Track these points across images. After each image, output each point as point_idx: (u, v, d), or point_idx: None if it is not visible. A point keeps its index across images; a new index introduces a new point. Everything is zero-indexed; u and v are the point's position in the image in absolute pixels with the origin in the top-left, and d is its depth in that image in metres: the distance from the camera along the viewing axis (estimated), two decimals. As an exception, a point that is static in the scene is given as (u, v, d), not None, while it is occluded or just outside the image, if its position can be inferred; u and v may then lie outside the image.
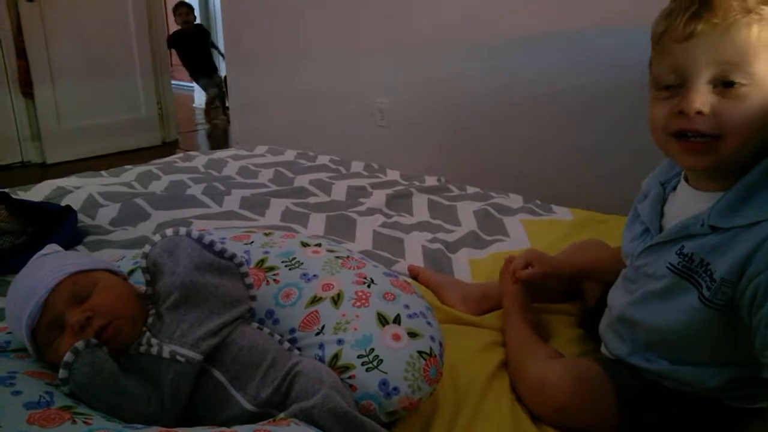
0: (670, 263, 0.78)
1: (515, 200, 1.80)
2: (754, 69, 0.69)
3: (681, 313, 0.77)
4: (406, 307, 0.91)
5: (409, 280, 1.10)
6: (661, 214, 0.85)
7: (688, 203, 0.80)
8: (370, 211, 1.66)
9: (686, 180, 0.83)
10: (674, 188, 0.85)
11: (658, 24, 0.77)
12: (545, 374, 0.89)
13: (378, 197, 1.78)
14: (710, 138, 0.71)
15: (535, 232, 1.56)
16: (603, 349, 0.95)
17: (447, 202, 1.76)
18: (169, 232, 0.87)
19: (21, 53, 3.38)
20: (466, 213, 1.67)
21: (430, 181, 1.97)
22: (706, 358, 0.79)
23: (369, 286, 0.93)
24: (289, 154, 2.20)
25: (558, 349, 1.01)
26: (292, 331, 0.88)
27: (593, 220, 1.65)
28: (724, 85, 0.70)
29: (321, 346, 0.85)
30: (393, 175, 2.03)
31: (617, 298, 0.91)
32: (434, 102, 2.61)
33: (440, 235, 1.52)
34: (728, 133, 0.70)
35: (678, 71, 0.73)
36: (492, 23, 2.35)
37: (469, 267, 1.36)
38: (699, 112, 0.70)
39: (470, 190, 1.89)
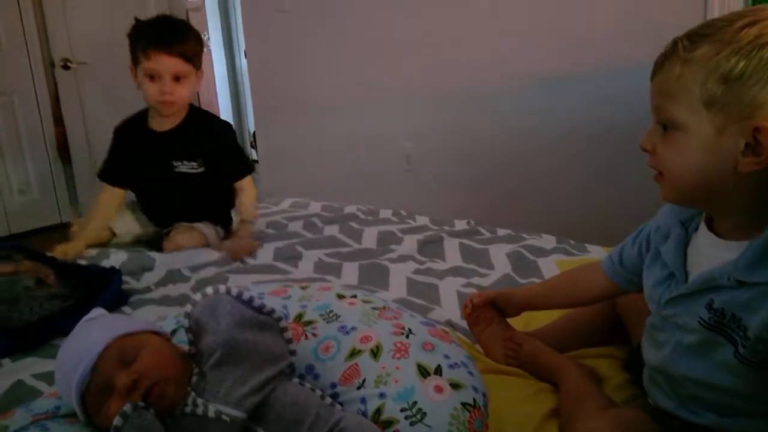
0: (701, 318, 0.75)
1: (548, 240, 1.78)
2: (673, 113, 0.70)
3: (719, 368, 0.74)
4: (446, 357, 0.90)
5: (447, 329, 1.09)
6: (685, 257, 0.81)
7: (712, 251, 0.76)
8: (402, 258, 1.66)
9: (707, 223, 0.79)
10: (696, 228, 0.82)
11: None
12: (594, 431, 0.84)
13: (409, 243, 1.78)
14: (658, 173, 0.76)
15: (571, 272, 1.54)
16: (650, 400, 0.92)
17: (479, 246, 1.75)
18: (209, 290, 0.88)
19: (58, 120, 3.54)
20: (499, 256, 1.66)
21: (460, 224, 1.97)
22: (756, 409, 0.75)
23: (407, 337, 0.93)
24: (315, 207, 2.21)
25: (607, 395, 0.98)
26: (333, 385, 0.88)
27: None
28: (663, 126, 0.73)
29: (363, 400, 0.85)
30: (422, 220, 2.04)
31: (649, 350, 0.88)
32: (459, 145, 2.64)
33: (474, 280, 1.51)
34: (665, 174, 0.75)
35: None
36: (511, 67, 2.39)
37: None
38: (645, 149, 0.76)
39: (501, 232, 1.88)
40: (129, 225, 1.86)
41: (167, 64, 1.63)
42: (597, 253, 1.68)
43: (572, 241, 1.77)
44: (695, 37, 0.69)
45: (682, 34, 0.71)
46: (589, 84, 2.22)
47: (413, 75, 2.71)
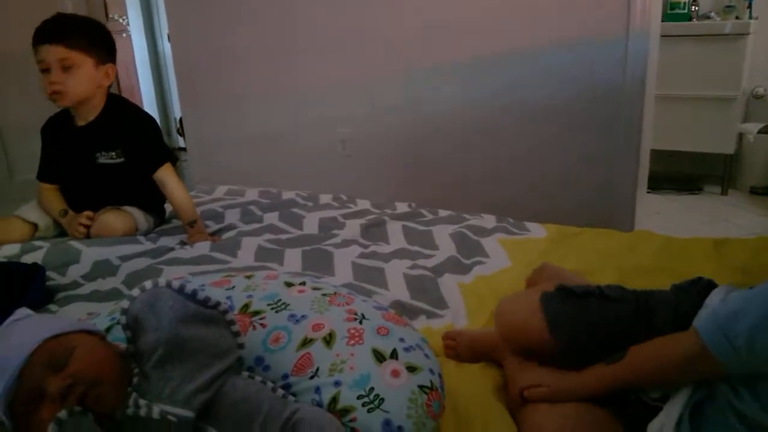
0: None
1: (489, 220, 1.80)
2: None
3: None
4: (402, 340, 0.88)
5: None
6: None
7: None
8: (346, 243, 1.63)
9: None
10: None
11: None
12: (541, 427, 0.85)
13: (352, 228, 1.76)
14: None
15: (514, 250, 1.56)
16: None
17: (422, 228, 1.75)
18: (148, 284, 0.82)
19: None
20: (443, 237, 1.66)
21: (401, 207, 1.96)
22: None
23: (361, 322, 0.91)
24: (252, 194, 2.15)
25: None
26: (285, 376, 0.84)
27: (567, 234, 1.67)
28: None
29: (317, 389, 0.82)
30: (363, 204, 2.01)
31: None
32: (395, 128, 2.62)
33: (420, 261, 1.50)
34: None
35: None
36: (448, 47, 2.39)
37: (461, 292, 1.34)
38: None
39: (443, 213, 1.88)
40: (50, 218, 1.77)
41: (50, 52, 1.60)
42: (537, 230, 1.71)
43: (511, 220, 1.80)
44: None
45: None
46: (526, 61, 2.24)
47: (348, 59, 2.66)
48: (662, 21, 2.67)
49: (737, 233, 1.63)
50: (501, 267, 1.48)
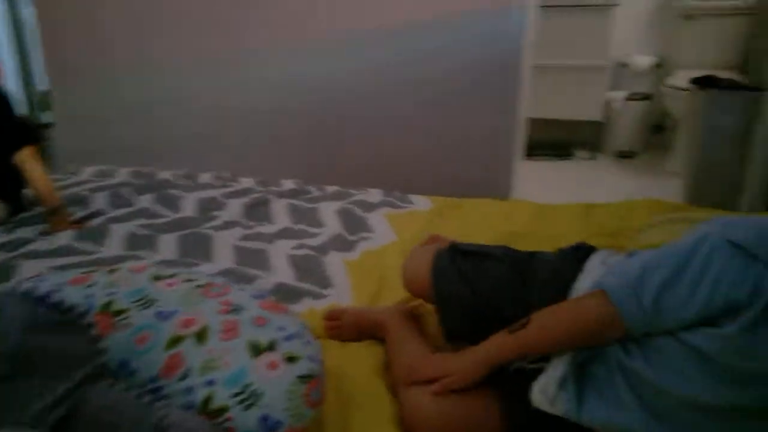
0: None
1: (375, 195, 1.79)
2: None
3: None
4: (281, 329, 0.85)
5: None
6: None
7: None
8: (227, 225, 1.56)
9: None
10: None
11: None
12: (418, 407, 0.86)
13: (233, 208, 1.68)
14: None
15: (399, 224, 1.57)
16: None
17: (308, 205, 1.71)
18: (-16, 291, 0.73)
19: None
20: (328, 214, 1.63)
21: (288, 184, 1.90)
22: None
23: (237, 314, 0.86)
24: (123, 174, 1.99)
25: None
26: (153, 379, 0.78)
27: (450, 205, 1.71)
28: None
29: (189, 391, 0.77)
30: (247, 182, 1.93)
31: None
32: (273, 102, 2.52)
33: (306, 241, 1.47)
34: None
35: None
36: (329, 21, 2.32)
37: (346, 270, 1.33)
38: None
39: (329, 189, 1.85)
40: None
41: None
42: (422, 203, 1.73)
43: (398, 193, 1.80)
44: None
45: None
46: (406, 35, 2.23)
47: (231, 30, 2.50)
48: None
49: (605, 196, 1.75)
50: (387, 241, 1.49)
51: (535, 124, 2.95)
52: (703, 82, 2.15)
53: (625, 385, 0.77)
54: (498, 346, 0.84)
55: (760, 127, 1.85)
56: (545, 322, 0.82)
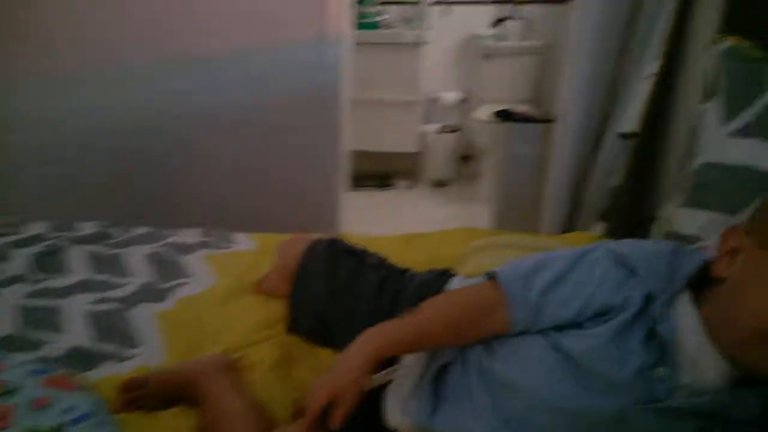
0: None
1: (192, 235, 1.65)
2: None
3: None
4: (68, 411, 0.71)
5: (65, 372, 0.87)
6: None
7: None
8: (9, 281, 1.32)
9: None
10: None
11: None
12: None
13: (19, 261, 1.43)
14: None
15: (221, 266, 1.46)
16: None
17: (111, 251, 1.52)
18: None
19: None
20: (137, 259, 1.46)
21: (87, 228, 1.68)
22: None
23: (10, 397, 0.70)
24: None
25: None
26: None
27: (275, 243, 1.63)
28: None
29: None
30: (36, 228, 1.66)
31: None
32: (80, 133, 2.25)
33: (109, 293, 1.29)
34: None
35: None
36: (136, 48, 2.14)
37: (158, 323, 1.18)
38: None
39: (138, 231, 1.67)
40: None
41: None
42: (244, 242, 1.63)
43: (215, 232, 1.68)
44: None
45: None
46: (221, 65, 2.13)
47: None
48: (357, 29, 2.87)
49: (423, 224, 1.82)
50: (207, 285, 1.37)
51: (358, 156, 3.02)
52: (503, 115, 2.36)
53: (481, 388, 0.77)
54: (392, 327, 0.79)
55: (551, 155, 2.07)
56: (438, 306, 0.81)
